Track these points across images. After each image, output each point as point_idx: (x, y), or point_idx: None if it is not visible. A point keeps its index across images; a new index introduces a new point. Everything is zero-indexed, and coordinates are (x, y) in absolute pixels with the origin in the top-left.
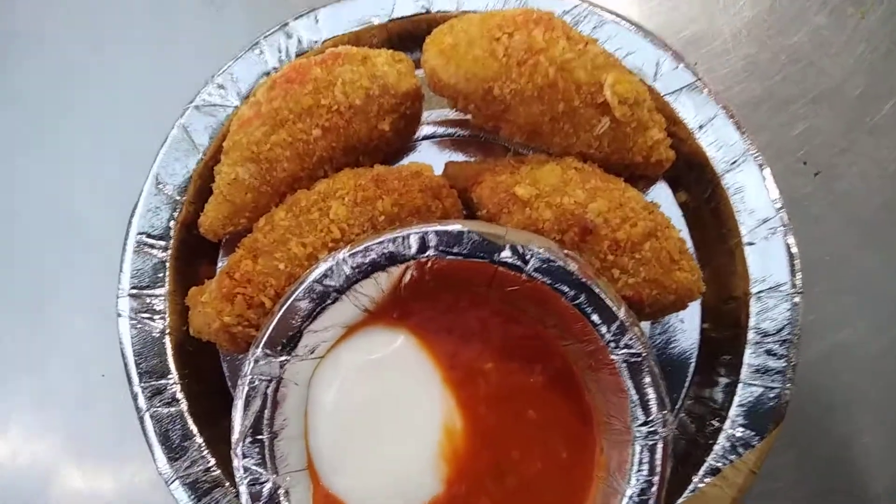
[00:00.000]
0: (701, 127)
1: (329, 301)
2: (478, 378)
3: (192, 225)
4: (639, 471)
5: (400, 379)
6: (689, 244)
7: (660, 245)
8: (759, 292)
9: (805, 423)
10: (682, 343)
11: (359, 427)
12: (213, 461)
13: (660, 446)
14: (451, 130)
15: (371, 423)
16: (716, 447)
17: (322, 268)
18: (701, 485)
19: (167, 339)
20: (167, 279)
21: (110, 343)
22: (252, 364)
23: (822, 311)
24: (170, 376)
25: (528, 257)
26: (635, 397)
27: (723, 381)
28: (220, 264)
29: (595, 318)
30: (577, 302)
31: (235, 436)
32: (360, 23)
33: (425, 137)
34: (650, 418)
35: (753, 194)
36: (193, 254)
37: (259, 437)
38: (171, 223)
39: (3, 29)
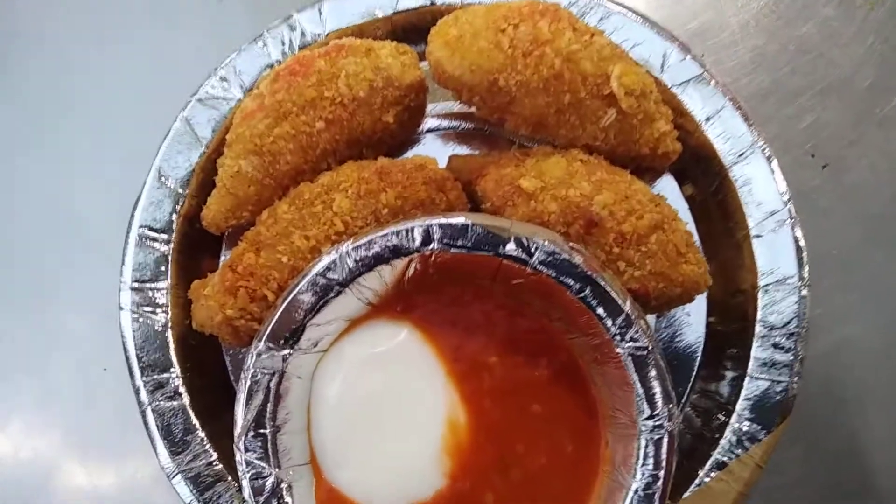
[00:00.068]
0: (708, 119)
1: (332, 294)
2: (482, 372)
3: (195, 218)
4: (644, 465)
5: (404, 372)
6: (696, 237)
7: (666, 238)
8: (767, 285)
9: (812, 418)
10: (688, 336)
11: (362, 421)
12: (215, 455)
13: (665, 440)
14: (455, 123)
15: (374, 417)
16: (722, 441)
17: (325, 261)
18: (707, 479)
19: (169, 333)
20: (169, 273)
21: (112, 339)
22: (255, 358)
23: (830, 304)
24: (172, 370)
25: (533, 250)
26: (641, 391)
27: (729, 374)
28: (222, 257)
29: (600, 311)
30: (583, 295)
31: (238, 430)
32: (364, 15)
33: (429, 130)
34: (656, 412)
35: (761, 187)
36: (196, 247)
37: (262, 431)
38: (174, 216)
39: (3, 29)
